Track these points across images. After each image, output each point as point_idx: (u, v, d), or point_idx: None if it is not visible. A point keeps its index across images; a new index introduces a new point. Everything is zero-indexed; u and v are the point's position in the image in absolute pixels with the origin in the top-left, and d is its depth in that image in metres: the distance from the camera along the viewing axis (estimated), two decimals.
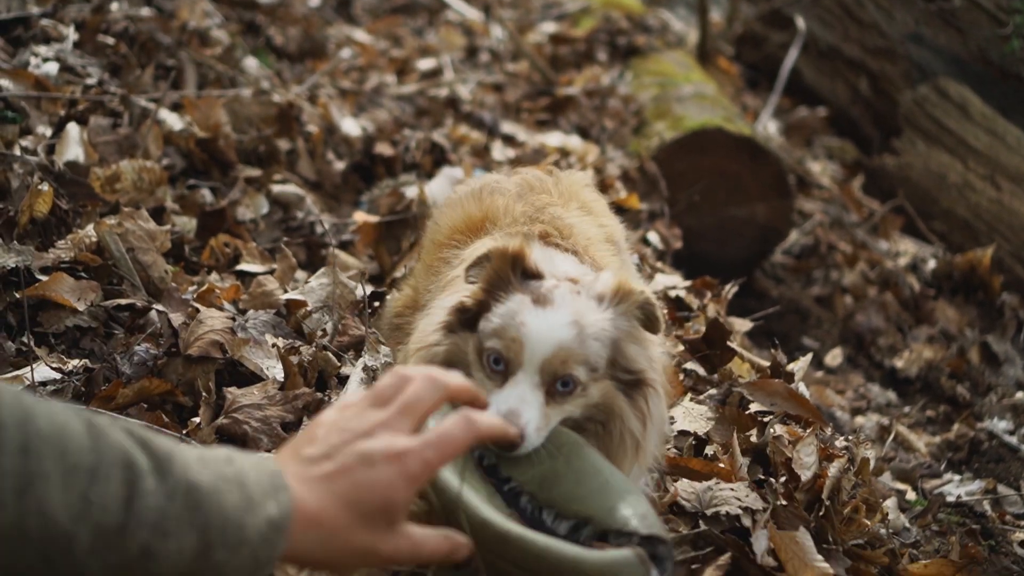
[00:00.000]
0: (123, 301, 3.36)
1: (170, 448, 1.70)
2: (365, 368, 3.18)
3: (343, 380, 3.29)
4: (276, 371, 3.25)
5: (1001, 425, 4.85)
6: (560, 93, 6.98)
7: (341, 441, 1.88)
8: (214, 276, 3.87)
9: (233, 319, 3.42)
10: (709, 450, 3.24)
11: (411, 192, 4.88)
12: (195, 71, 5.32)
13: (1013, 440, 4.72)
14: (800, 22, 8.33)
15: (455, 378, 2.02)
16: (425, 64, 7.34)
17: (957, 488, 4.28)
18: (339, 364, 3.33)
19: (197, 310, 3.37)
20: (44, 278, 3.26)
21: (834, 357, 5.56)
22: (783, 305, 5.76)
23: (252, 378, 3.23)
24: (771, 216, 5.94)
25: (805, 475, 2.97)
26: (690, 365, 3.78)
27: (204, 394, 3.09)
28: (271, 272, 3.94)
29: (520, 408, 2.30)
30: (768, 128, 7.66)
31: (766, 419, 3.32)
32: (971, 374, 5.50)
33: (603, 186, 5.09)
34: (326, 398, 3.12)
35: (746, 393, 3.49)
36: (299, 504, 1.79)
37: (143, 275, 3.52)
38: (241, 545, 1.70)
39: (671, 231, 5.37)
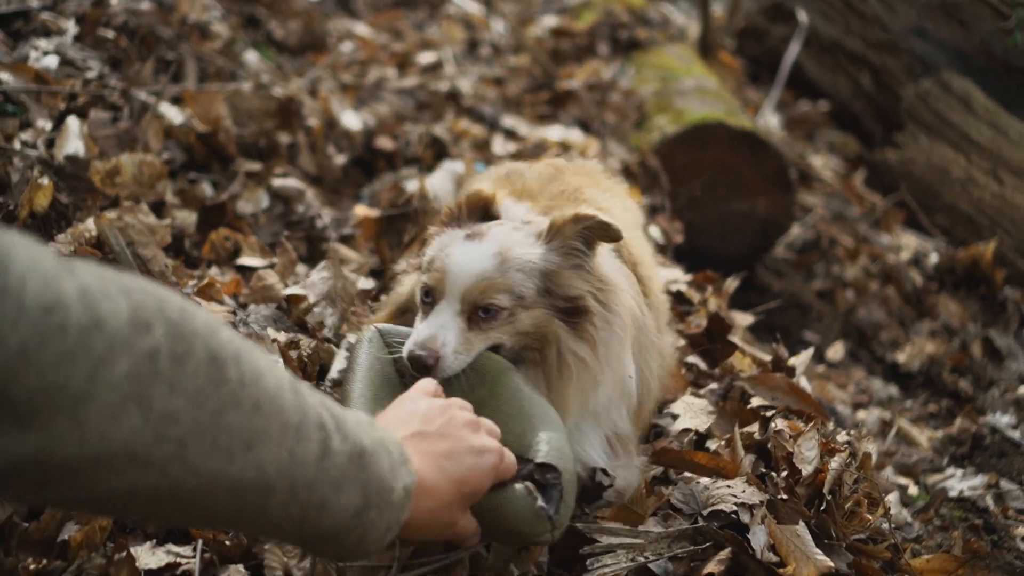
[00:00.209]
0: None
1: (340, 410, 1.86)
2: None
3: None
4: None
5: (1004, 419, 4.84)
6: (561, 87, 6.96)
7: (451, 426, 2.10)
8: (214, 270, 3.86)
9: (234, 313, 3.41)
10: (711, 444, 3.24)
11: (412, 186, 4.87)
12: (195, 65, 5.31)
13: (1016, 435, 4.71)
14: (802, 16, 8.31)
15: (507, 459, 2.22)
16: (426, 58, 7.32)
17: (959, 483, 4.27)
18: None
19: (197, 304, 3.36)
20: None
21: (835, 351, 5.55)
22: (784, 299, 5.75)
23: None
24: (772, 210, 5.93)
25: (806, 469, 2.97)
26: (691, 359, 3.78)
27: None
28: (271, 266, 3.93)
29: (438, 333, 2.45)
30: (770, 122, 7.65)
31: (768, 414, 3.31)
32: (973, 368, 5.49)
33: None
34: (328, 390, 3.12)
35: (748, 387, 3.49)
36: (421, 474, 1.98)
37: (143, 269, 3.51)
38: (388, 507, 1.88)
39: (672, 225, 5.36)
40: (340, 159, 5.25)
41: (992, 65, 7.73)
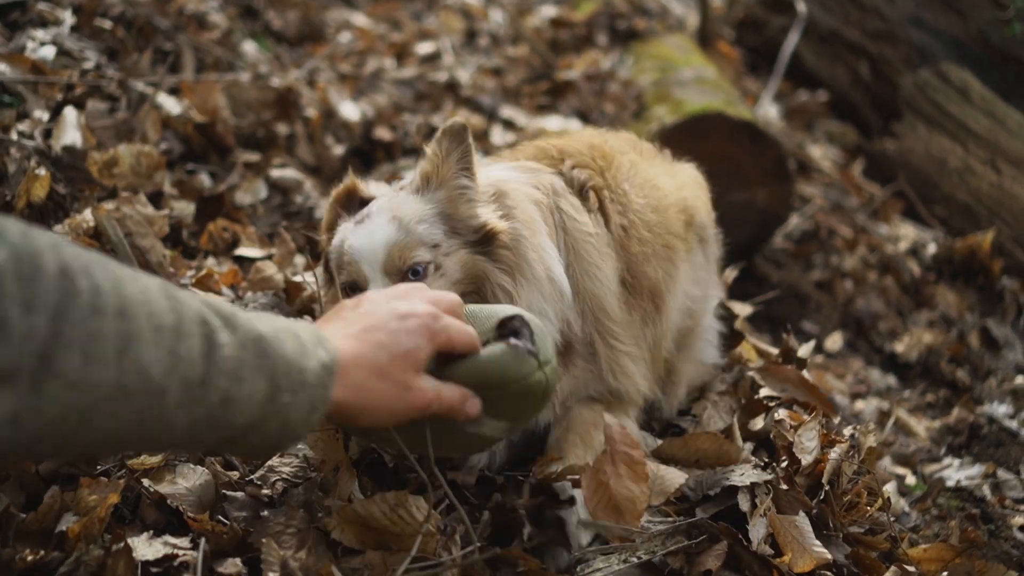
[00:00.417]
0: None
1: (231, 307, 1.85)
2: None
3: None
4: None
5: (1001, 409, 4.85)
6: (560, 77, 6.96)
7: (375, 303, 2.15)
8: (212, 261, 3.86)
9: (232, 303, 3.41)
10: None
11: (410, 176, 4.86)
12: (193, 55, 5.30)
13: (1013, 424, 4.72)
14: (800, 6, 8.31)
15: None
16: (424, 48, 7.31)
17: (957, 472, 4.27)
18: None
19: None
20: None
21: (834, 342, 5.55)
22: (783, 290, 5.75)
23: None
24: (771, 200, 5.93)
25: (806, 459, 2.97)
26: None
27: None
28: (270, 257, 3.93)
29: None
30: (768, 112, 7.64)
31: (771, 404, 3.32)
32: (971, 358, 5.49)
33: None
34: None
35: (758, 378, 3.49)
36: (342, 350, 1.99)
37: (141, 260, 3.51)
38: (302, 387, 1.88)
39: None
40: (338, 150, 5.24)
41: (990, 55, 7.72)
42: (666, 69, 6.78)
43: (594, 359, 2.92)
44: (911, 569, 2.88)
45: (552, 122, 6.20)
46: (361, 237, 2.58)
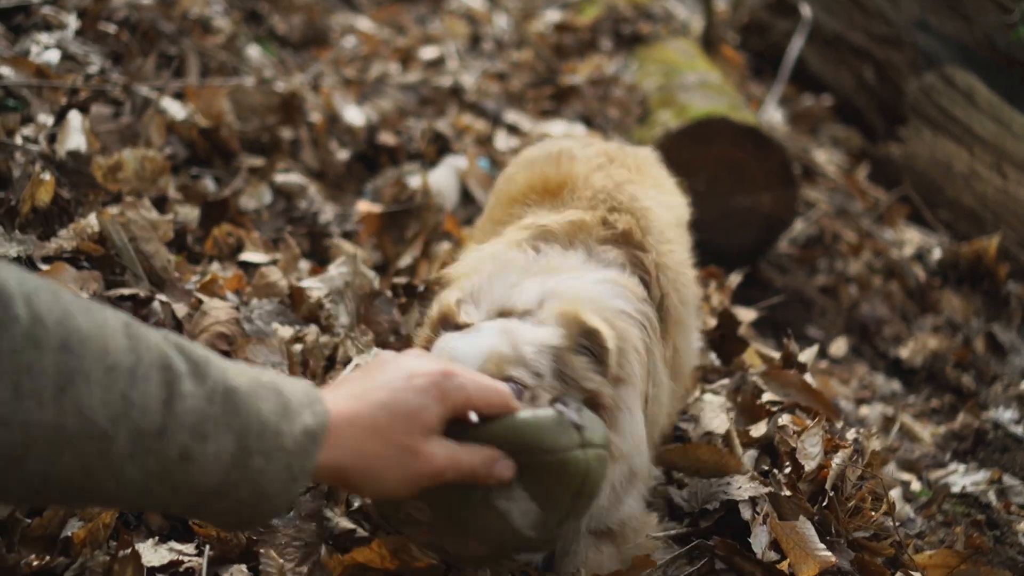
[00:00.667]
0: (126, 291, 3.35)
1: (205, 353, 1.69)
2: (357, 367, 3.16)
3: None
4: (284, 368, 3.25)
5: (1007, 415, 4.84)
6: (564, 82, 6.96)
7: (385, 364, 1.96)
8: (217, 266, 3.86)
9: (237, 309, 3.41)
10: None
11: (415, 182, 4.87)
12: (197, 60, 5.30)
13: (1019, 430, 4.71)
14: (805, 10, 8.30)
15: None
16: (428, 53, 7.32)
17: (962, 478, 4.26)
18: (360, 351, 3.32)
19: (200, 300, 3.36)
20: (46, 268, 3.25)
21: (838, 347, 5.54)
22: (788, 295, 5.74)
23: (258, 364, 3.23)
24: (776, 205, 5.92)
25: (809, 465, 2.96)
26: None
27: None
28: (274, 262, 3.93)
29: None
30: (773, 117, 7.64)
31: (774, 409, 3.32)
32: (976, 364, 5.48)
33: None
34: None
35: (761, 383, 3.49)
36: (335, 410, 1.81)
37: (145, 265, 3.51)
38: (277, 452, 1.69)
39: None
40: (343, 154, 5.25)
41: (995, 59, 7.72)
42: (670, 74, 6.78)
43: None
44: (916, 575, 2.87)
45: (556, 127, 6.20)
46: (465, 341, 2.29)
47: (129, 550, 2.34)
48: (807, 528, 2.71)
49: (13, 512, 2.46)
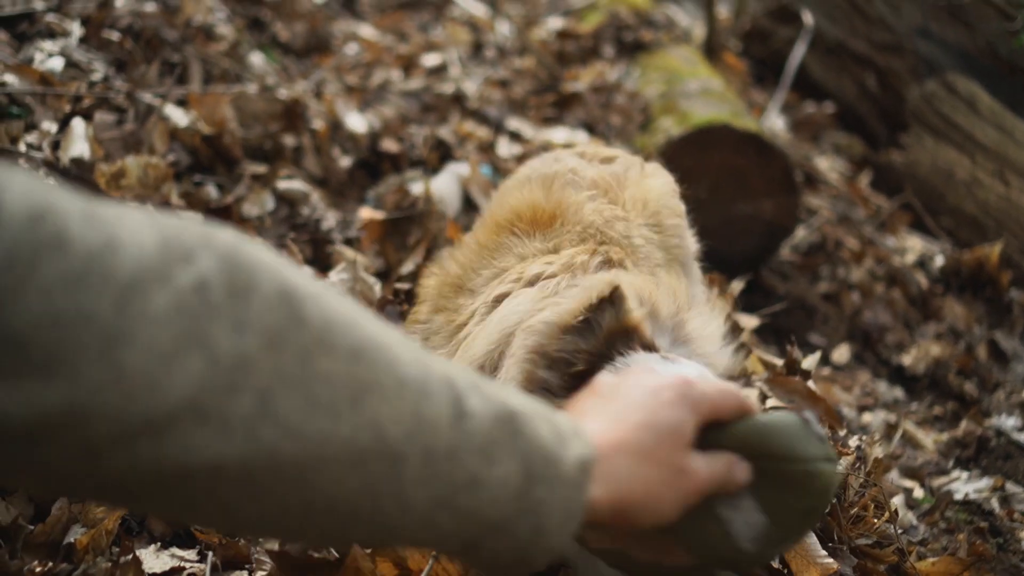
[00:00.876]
0: None
1: (473, 372, 1.54)
2: None
3: None
4: None
5: (1009, 422, 4.84)
6: (566, 89, 6.96)
7: (614, 386, 1.77)
8: None
9: None
10: None
11: (417, 188, 4.87)
12: (200, 67, 5.31)
13: (1021, 437, 4.70)
14: (807, 17, 8.31)
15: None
16: (431, 60, 7.32)
17: (965, 485, 4.26)
18: None
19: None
20: None
21: (841, 354, 5.54)
22: (790, 302, 5.74)
23: None
24: (778, 212, 5.92)
25: None
26: None
27: None
28: None
29: None
30: (775, 124, 7.64)
31: None
32: (979, 371, 5.48)
33: None
34: None
35: (765, 389, 3.48)
36: (598, 437, 1.61)
37: None
38: (557, 482, 1.51)
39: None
40: (345, 161, 5.25)
41: (997, 67, 7.72)
42: (672, 81, 6.78)
43: None
44: None
45: (559, 134, 6.20)
46: (684, 371, 2.06)
47: (131, 556, 2.34)
48: (809, 535, 2.71)
49: (16, 518, 2.46)
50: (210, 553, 2.43)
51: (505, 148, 5.88)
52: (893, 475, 4.25)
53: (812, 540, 2.70)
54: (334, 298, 1.36)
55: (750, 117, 6.38)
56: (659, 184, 3.34)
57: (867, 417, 4.82)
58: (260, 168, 4.75)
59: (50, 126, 4.15)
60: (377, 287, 3.83)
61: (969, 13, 7.91)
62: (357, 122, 5.57)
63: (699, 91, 6.49)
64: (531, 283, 2.56)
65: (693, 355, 2.24)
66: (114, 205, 1.21)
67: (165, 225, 1.24)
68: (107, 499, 1.32)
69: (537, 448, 1.49)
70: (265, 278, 1.27)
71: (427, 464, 1.38)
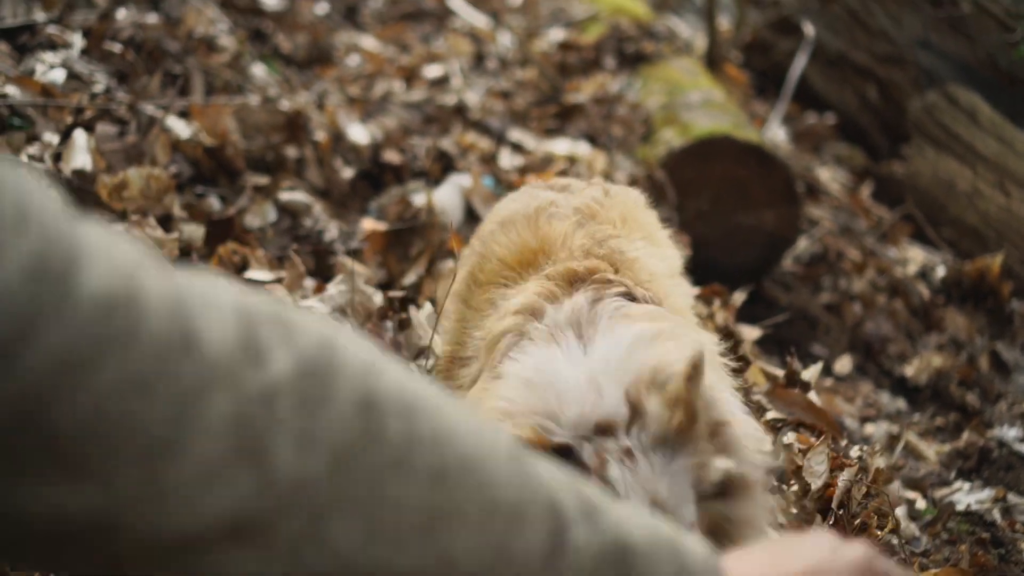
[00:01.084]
0: None
1: (598, 492, 1.34)
2: None
3: None
4: None
5: (1011, 433, 4.83)
6: (568, 100, 6.97)
7: (790, 541, 1.54)
8: None
9: None
10: None
11: (419, 200, 4.88)
12: (202, 78, 5.31)
13: (1023, 448, 4.70)
14: (808, 29, 8.32)
15: None
16: (433, 71, 7.33)
17: (967, 496, 4.26)
18: None
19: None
20: None
21: (843, 365, 5.54)
22: (792, 313, 5.74)
23: None
24: (779, 223, 5.92)
25: (815, 483, 2.96)
26: None
27: None
28: (279, 280, 3.93)
29: None
30: (776, 135, 7.65)
31: (779, 426, 3.31)
32: (981, 382, 5.47)
33: None
34: None
35: (765, 402, 3.48)
36: None
37: None
38: None
39: (679, 239, 5.36)
40: (347, 173, 5.25)
41: (998, 78, 7.73)
42: (674, 92, 6.79)
43: None
44: None
45: (560, 145, 6.20)
46: None
47: None
48: None
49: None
50: None
51: (507, 159, 5.88)
52: (896, 486, 4.24)
53: None
54: (432, 409, 1.19)
55: (751, 128, 6.39)
56: (634, 196, 3.25)
57: (869, 428, 4.82)
58: (262, 179, 4.75)
59: (52, 138, 4.15)
60: (376, 298, 3.82)
61: (969, 25, 7.92)
62: (359, 133, 5.58)
63: (701, 102, 6.49)
64: (533, 313, 2.35)
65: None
66: (208, 280, 1.11)
67: (252, 312, 1.11)
68: None
69: None
70: (345, 385, 1.13)
71: None
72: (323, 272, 4.29)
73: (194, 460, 1.01)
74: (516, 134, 6.34)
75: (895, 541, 3.00)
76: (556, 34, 8.58)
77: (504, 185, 5.26)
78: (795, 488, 2.98)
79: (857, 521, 2.93)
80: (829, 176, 7.58)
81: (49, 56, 4.67)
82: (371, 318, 3.68)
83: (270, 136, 5.01)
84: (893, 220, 7.07)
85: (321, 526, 1.08)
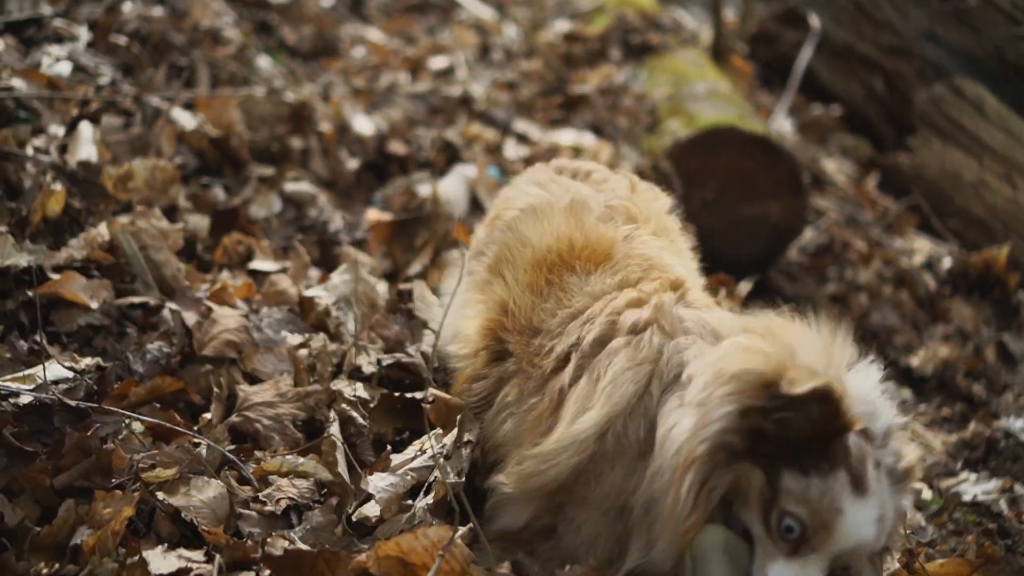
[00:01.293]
0: (136, 299, 3.36)
1: None
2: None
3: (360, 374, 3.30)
4: (290, 374, 3.26)
5: (1017, 424, 4.82)
6: (574, 91, 6.96)
7: None
8: (227, 274, 3.87)
9: (247, 317, 3.42)
10: None
11: (424, 190, 4.88)
12: (208, 70, 5.32)
13: None
14: (814, 20, 8.30)
15: None
16: (438, 63, 7.33)
17: (973, 487, 4.25)
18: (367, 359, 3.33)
19: (210, 308, 3.37)
20: (57, 276, 3.26)
21: None
22: (798, 303, 5.72)
23: (266, 374, 3.25)
24: (785, 214, 5.92)
25: None
26: None
27: (216, 390, 3.09)
28: (284, 270, 3.94)
29: None
30: (782, 126, 7.63)
31: None
32: (987, 372, 5.46)
33: None
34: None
35: None
36: None
37: (156, 273, 3.52)
38: None
39: (685, 229, 5.35)
40: (352, 163, 5.25)
41: (1004, 70, 7.70)
42: (680, 83, 6.78)
43: None
44: None
45: (566, 136, 6.20)
46: (853, 519, 2.26)
47: (137, 557, 2.34)
48: None
49: (23, 520, 2.46)
50: (217, 555, 2.42)
51: (512, 150, 5.88)
52: None
53: None
54: None
55: (757, 119, 6.38)
56: (658, 201, 3.48)
57: None
58: (267, 170, 4.76)
59: (57, 130, 4.15)
60: (380, 287, 3.82)
61: (976, 17, 7.90)
62: (364, 124, 5.58)
63: (706, 93, 6.48)
64: (633, 332, 2.60)
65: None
66: None
67: None
68: None
69: None
70: None
71: None
72: (328, 262, 4.29)
73: None
74: (521, 125, 6.33)
75: (901, 531, 3.00)
76: (562, 25, 8.58)
77: (509, 175, 5.25)
78: None
79: None
80: (835, 167, 7.56)
81: (55, 49, 4.68)
82: (375, 308, 3.69)
83: (275, 127, 5.01)
84: (899, 211, 7.05)
85: None
